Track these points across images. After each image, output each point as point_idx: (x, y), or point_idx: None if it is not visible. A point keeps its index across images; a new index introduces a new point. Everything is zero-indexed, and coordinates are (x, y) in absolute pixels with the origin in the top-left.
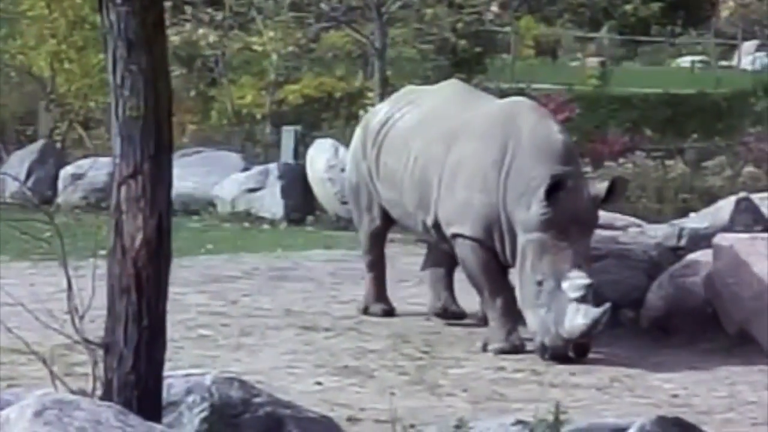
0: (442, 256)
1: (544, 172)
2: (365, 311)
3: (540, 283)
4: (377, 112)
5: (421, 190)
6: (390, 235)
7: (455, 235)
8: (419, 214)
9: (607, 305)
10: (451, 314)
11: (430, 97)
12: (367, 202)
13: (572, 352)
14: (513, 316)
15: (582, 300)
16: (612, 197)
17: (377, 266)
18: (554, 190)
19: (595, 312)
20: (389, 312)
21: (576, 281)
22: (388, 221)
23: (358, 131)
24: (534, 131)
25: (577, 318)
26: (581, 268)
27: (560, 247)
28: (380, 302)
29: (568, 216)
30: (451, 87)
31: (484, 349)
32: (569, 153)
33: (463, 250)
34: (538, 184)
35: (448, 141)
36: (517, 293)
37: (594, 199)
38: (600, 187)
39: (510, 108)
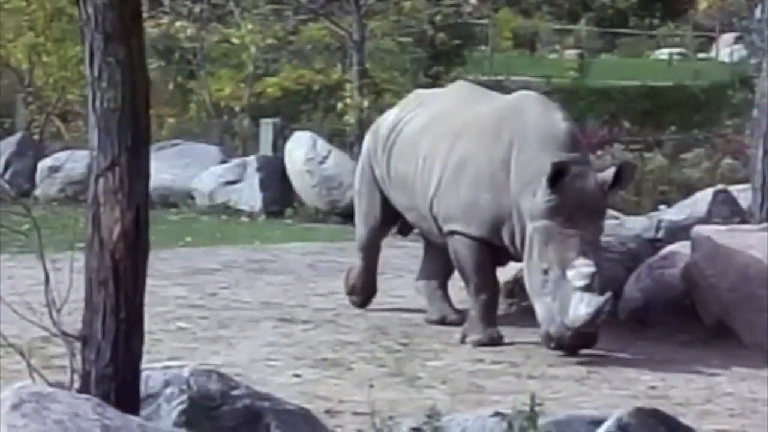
0: (436, 267)
1: (549, 160)
2: (350, 294)
3: (546, 272)
4: (386, 118)
5: (427, 189)
6: None
7: (453, 232)
8: (430, 215)
9: (609, 294)
10: (450, 323)
11: (437, 99)
12: (367, 206)
13: (575, 342)
14: (494, 311)
15: (587, 289)
16: (620, 183)
17: (372, 262)
18: (558, 176)
19: (598, 301)
20: (367, 301)
21: (581, 269)
22: (386, 227)
23: (367, 137)
24: (538, 122)
25: (581, 307)
26: (588, 256)
27: (566, 235)
28: (367, 292)
29: (574, 203)
30: (459, 88)
31: (463, 341)
32: (573, 140)
33: (459, 246)
34: (543, 172)
35: (453, 139)
36: (526, 284)
37: (601, 186)
38: (607, 173)
39: (515, 103)
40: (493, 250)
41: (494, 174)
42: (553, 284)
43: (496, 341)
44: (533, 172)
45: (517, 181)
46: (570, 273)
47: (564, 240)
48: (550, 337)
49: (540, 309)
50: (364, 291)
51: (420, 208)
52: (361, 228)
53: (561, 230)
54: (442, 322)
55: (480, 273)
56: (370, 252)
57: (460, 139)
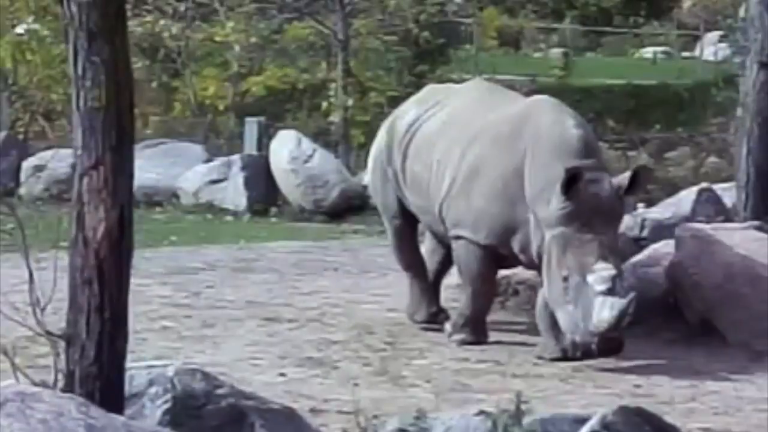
0: (434, 267)
1: (561, 168)
2: (412, 318)
3: (566, 279)
4: (402, 115)
5: (439, 192)
6: (353, 227)
7: (460, 237)
8: (440, 217)
9: (633, 294)
10: (435, 322)
11: (454, 98)
12: (383, 200)
13: (602, 348)
14: (486, 315)
15: (609, 292)
16: (635, 187)
17: (415, 266)
18: (571, 183)
19: (621, 303)
20: (435, 315)
21: (601, 273)
22: (409, 220)
23: (381, 134)
24: (551, 129)
25: (604, 311)
26: (607, 260)
27: (584, 240)
28: (426, 306)
29: (590, 208)
30: (477, 87)
31: (450, 336)
32: (588, 146)
33: (464, 252)
34: (556, 179)
35: (466, 143)
36: (546, 293)
37: (617, 190)
38: (623, 177)
39: (529, 109)
40: (499, 257)
41: (507, 183)
42: (574, 291)
43: (481, 341)
44: (546, 180)
45: (532, 190)
46: (591, 278)
47: (582, 245)
48: (575, 345)
49: (562, 318)
50: (422, 306)
51: (435, 212)
52: (387, 227)
53: (578, 236)
54: (427, 321)
55: (482, 280)
56: (407, 256)
57: (473, 144)
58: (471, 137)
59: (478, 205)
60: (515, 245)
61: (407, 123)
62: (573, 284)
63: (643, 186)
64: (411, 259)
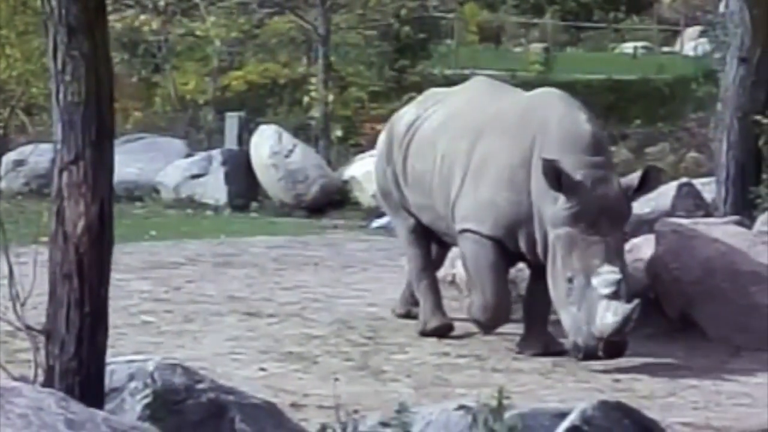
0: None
1: (570, 163)
2: (424, 330)
3: (570, 280)
4: (402, 116)
5: (448, 188)
6: (333, 221)
7: (467, 231)
8: (450, 216)
9: (637, 301)
10: (415, 317)
11: (455, 96)
12: (392, 202)
13: (604, 352)
14: (501, 323)
15: (613, 296)
16: (645, 187)
17: (425, 272)
18: (555, 175)
19: (625, 309)
20: (450, 327)
21: (606, 277)
22: (417, 221)
23: (382, 136)
24: (561, 123)
25: (608, 316)
26: (613, 263)
27: (590, 242)
28: (438, 315)
29: (596, 208)
30: (477, 83)
31: (422, 333)
32: (597, 143)
33: (469, 246)
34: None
35: (474, 136)
36: (551, 293)
37: (626, 190)
38: (632, 177)
39: (537, 101)
40: (506, 255)
41: (515, 172)
42: (579, 293)
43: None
44: None
45: (538, 185)
46: (595, 281)
47: (588, 247)
48: (578, 347)
49: (566, 319)
50: (435, 317)
51: (438, 208)
52: (399, 231)
53: (584, 237)
54: (407, 315)
55: (489, 276)
56: (414, 259)
57: (481, 136)
58: (478, 130)
59: (484, 196)
60: (521, 241)
61: (407, 123)
62: (577, 286)
63: (654, 187)
64: (419, 264)
